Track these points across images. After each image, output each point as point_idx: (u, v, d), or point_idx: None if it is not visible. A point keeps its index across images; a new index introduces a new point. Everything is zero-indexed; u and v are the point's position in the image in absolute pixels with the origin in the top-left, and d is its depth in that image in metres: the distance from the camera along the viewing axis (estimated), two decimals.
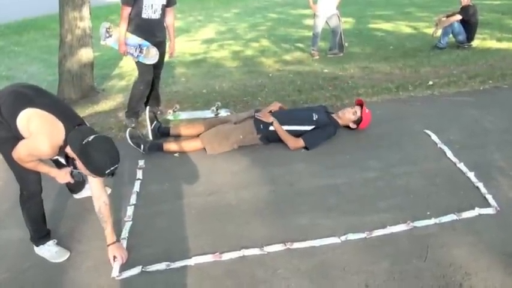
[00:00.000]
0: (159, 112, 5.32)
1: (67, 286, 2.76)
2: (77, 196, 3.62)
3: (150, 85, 5.04)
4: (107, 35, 5.06)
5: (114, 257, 2.89)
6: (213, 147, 4.25)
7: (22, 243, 3.11)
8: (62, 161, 2.82)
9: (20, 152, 2.58)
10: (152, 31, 4.82)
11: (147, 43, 4.78)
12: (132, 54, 4.80)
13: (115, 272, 2.81)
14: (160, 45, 4.97)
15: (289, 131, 4.34)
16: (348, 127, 4.58)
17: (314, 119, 4.41)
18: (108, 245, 2.93)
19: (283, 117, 4.41)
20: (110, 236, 2.95)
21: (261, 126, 4.34)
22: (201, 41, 10.44)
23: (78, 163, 2.53)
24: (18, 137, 2.61)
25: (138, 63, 4.89)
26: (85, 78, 6.09)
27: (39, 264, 2.95)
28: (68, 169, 2.86)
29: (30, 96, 2.63)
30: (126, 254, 2.96)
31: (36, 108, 2.55)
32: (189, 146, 4.32)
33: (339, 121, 4.54)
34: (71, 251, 3.04)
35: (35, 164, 2.71)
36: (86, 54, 6.00)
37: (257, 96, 5.81)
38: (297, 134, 4.33)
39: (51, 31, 11.55)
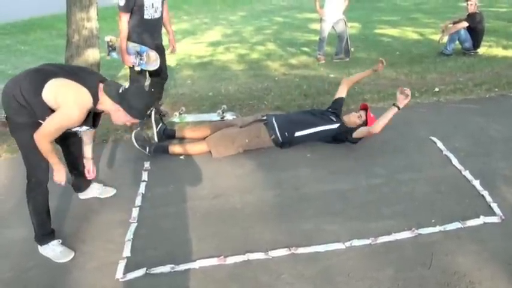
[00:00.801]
0: (182, 111, 5.34)
1: (71, 286, 2.77)
2: (82, 196, 3.63)
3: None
4: (110, 49, 5.06)
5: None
6: (218, 150, 4.26)
7: (26, 243, 3.12)
8: (77, 129, 2.87)
9: (50, 126, 2.65)
10: (152, 32, 4.79)
11: (145, 48, 4.73)
12: (134, 63, 4.78)
13: (119, 274, 2.83)
14: (159, 48, 4.93)
15: (316, 133, 4.38)
16: None
17: (333, 118, 4.50)
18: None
19: (302, 123, 4.43)
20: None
21: (286, 134, 4.35)
22: (207, 43, 10.47)
23: (116, 112, 2.79)
24: (39, 121, 2.70)
25: (131, 69, 4.89)
26: None
27: (43, 264, 2.96)
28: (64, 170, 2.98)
29: (46, 70, 2.73)
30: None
31: (56, 78, 2.65)
32: (194, 148, 4.33)
33: (349, 127, 4.52)
34: (75, 251, 3.04)
35: (51, 148, 2.76)
36: (92, 54, 6.03)
37: (263, 100, 5.82)
38: (324, 134, 4.39)
39: (58, 31, 11.61)
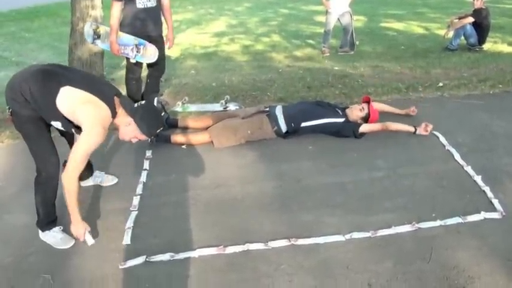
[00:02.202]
0: (185, 100, 5.34)
1: (71, 273, 2.78)
2: (83, 184, 3.63)
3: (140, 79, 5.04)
4: (95, 36, 4.99)
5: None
6: (220, 141, 4.25)
7: (27, 229, 3.13)
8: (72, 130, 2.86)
9: (79, 154, 2.65)
10: (146, 24, 4.70)
11: (144, 41, 4.69)
12: (127, 54, 4.73)
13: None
14: (155, 43, 4.85)
15: (322, 124, 4.39)
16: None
17: (339, 112, 4.52)
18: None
19: (310, 113, 4.43)
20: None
21: (292, 124, 4.36)
22: (212, 34, 10.45)
23: (126, 127, 2.81)
24: (43, 117, 2.72)
25: (127, 60, 4.86)
26: (95, 66, 6.10)
27: (43, 250, 2.97)
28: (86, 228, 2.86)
29: (59, 73, 2.72)
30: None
31: (71, 86, 2.64)
32: (196, 138, 4.32)
33: (352, 121, 4.53)
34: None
35: (77, 191, 2.73)
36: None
37: (266, 91, 5.81)
38: (329, 127, 4.40)
39: (62, 18, 11.58)
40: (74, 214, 2.79)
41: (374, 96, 5.47)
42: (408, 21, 11.15)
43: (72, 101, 2.64)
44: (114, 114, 2.76)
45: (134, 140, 2.93)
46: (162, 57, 5.06)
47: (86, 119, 2.63)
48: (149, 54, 4.77)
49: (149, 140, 4.21)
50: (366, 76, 6.45)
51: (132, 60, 4.80)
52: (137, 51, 4.72)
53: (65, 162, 3.10)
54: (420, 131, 4.33)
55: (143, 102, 2.93)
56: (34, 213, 3.02)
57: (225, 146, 4.26)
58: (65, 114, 2.68)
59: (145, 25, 4.70)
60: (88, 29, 4.97)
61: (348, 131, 4.36)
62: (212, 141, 4.28)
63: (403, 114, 4.81)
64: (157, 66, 5.07)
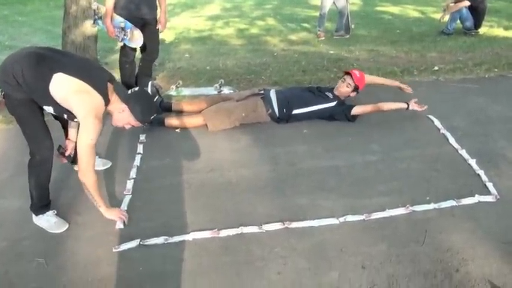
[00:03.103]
0: (179, 84, 5.31)
1: (65, 257, 2.77)
2: (76, 167, 3.61)
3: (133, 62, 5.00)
4: (96, 17, 4.94)
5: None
6: (214, 124, 4.24)
7: (20, 213, 3.11)
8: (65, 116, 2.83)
9: (84, 151, 2.65)
10: (140, 7, 4.62)
11: (130, 24, 4.61)
12: (117, 37, 4.68)
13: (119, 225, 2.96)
14: (149, 26, 4.80)
15: (314, 111, 4.38)
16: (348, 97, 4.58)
17: (329, 96, 4.47)
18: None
19: (300, 100, 4.40)
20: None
21: (284, 110, 4.34)
22: (206, 17, 10.38)
23: (120, 113, 2.81)
24: (36, 100, 2.70)
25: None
26: (89, 50, 6.04)
27: (37, 234, 2.95)
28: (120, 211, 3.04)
29: (53, 58, 2.68)
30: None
31: (64, 73, 2.60)
32: (190, 121, 4.30)
33: (340, 97, 4.51)
34: (69, 222, 3.03)
35: (96, 181, 2.81)
36: (90, 26, 5.95)
37: (261, 75, 5.78)
38: (321, 112, 4.39)
39: (55, 2, 11.49)
40: (102, 205, 2.92)
41: None
42: (404, 4, 11.10)
43: (65, 90, 2.61)
44: (107, 101, 2.73)
45: (128, 127, 2.93)
46: (156, 41, 5.02)
47: (79, 110, 2.61)
48: (135, 39, 4.70)
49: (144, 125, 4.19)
50: (361, 60, 6.44)
51: (120, 43, 4.77)
52: (124, 35, 4.66)
53: (59, 147, 3.11)
54: (413, 106, 4.25)
55: (137, 88, 2.91)
56: (28, 197, 3.00)
57: (219, 129, 4.23)
58: (58, 101, 2.65)
59: (140, 8, 4.62)
60: (91, 10, 4.91)
61: (340, 114, 4.35)
62: (206, 125, 4.25)
63: (395, 86, 4.77)
64: (150, 51, 5.01)
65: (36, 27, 9.38)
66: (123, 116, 2.82)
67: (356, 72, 4.48)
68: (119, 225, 2.97)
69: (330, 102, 4.40)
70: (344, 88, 4.46)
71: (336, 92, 4.50)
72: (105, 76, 2.82)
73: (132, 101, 2.80)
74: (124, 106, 2.78)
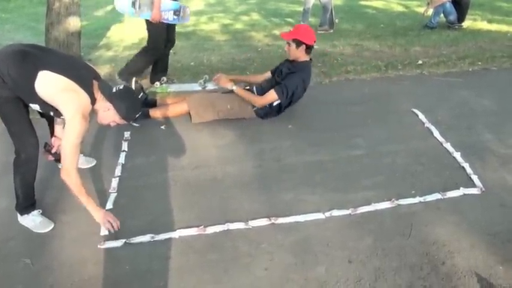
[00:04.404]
0: (163, 81, 5.29)
1: (51, 256, 2.74)
2: (60, 166, 3.58)
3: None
4: (138, 4, 4.91)
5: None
6: (198, 112, 4.22)
7: (5, 213, 3.08)
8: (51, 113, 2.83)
9: (68, 151, 2.65)
10: None
11: (179, 4, 4.85)
12: (166, 20, 4.79)
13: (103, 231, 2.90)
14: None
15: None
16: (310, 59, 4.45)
17: (290, 69, 4.33)
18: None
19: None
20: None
21: (267, 106, 4.29)
22: (190, 12, 10.30)
23: (104, 111, 2.80)
24: (22, 98, 2.68)
25: (152, 30, 4.84)
26: (72, 47, 5.98)
27: (22, 234, 2.92)
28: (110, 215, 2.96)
29: (37, 55, 2.66)
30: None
31: (50, 71, 2.58)
32: (175, 110, 4.29)
33: (299, 61, 4.33)
34: (55, 222, 3.00)
35: (81, 183, 2.78)
36: (73, 22, 5.89)
37: (246, 70, 5.77)
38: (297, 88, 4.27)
39: None
40: (89, 205, 2.86)
41: (353, 74, 5.51)
42: None
43: (51, 88, 2.60)
44: (93, 100, 2.72)
45: (113, 124, 2.91)
46: (174, 30, 5.22)
47: (67, 109, 2.59)
48: (187, 15, 5.04)
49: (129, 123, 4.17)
50: (346, 54, 6.45)
51: (170, 22, 4.92)
52: (176, 15, 4.90)
53: (45, 144, 3.09)
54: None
55: (121, 86, 2.87)
56: (13, 197, 2.97)
57: (202, 119, 4.22)
58: (44, 99, 2.63)
59: None
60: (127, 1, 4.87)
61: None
62: (190, 115, 4.23)
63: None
64: (172, 41, 5.25)
65: (19, 24, 9.27)
66: (108, 114, 2.81)
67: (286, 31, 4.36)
68: (104, 231, 2.90)
69: (290, 73, 4.28)
70: (295, 52, 4.28)
71: (291, 60, 4.37)
72: (91, 74, 2.81)
73: (116, 99, 2.77)
74: (109, 105, 2.76)
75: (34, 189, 3.01)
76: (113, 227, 2.88)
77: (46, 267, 2.66)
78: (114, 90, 2.80)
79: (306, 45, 4.22)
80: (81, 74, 2.72)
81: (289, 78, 4.22)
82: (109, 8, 10.82)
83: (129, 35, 8.15)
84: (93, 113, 2.82)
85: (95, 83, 2.75)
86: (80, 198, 2.81)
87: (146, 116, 4.26)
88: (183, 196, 3.27)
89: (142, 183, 3.44)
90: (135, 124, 3.97)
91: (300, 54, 4.27)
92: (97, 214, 2.89)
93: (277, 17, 9.53)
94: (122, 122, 2.87)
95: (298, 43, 4.21)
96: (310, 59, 4.38)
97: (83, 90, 2.64)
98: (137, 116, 2.95)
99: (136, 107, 2.93)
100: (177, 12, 4.83)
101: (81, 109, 2.61)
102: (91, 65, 2.99)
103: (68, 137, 2.62)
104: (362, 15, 9.54)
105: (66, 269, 2.64)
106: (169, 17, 4.78)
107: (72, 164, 2.68)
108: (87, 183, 3.31)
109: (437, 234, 2.83)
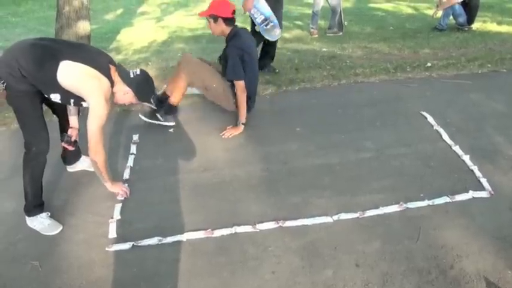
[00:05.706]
0: None
1: (59, 259, 2.76)
2: (70, 169, 3.61)
3: None
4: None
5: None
6: (190, 69, 4.20)
7: (14, 215, 3.10)
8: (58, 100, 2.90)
9: (93, 131, 2.82)
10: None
11: (276, 21, 4.93)
12: (254, 18, 4.95)
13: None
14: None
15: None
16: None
17: (222, 61, 4.36)
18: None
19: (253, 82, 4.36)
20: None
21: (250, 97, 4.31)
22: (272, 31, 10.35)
23: (123, 94, 3.01)
24: (42, 90, 2.79)
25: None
26: None
27: (31, 236, 2.94)
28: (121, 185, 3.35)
29: (54, 48, 2.78)
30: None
31: (70, 60, 2.73)
32: (179, 85, 4.26)
33: (227, 34, 4.18)
34: (63, 224, 3.02)
35: (105, 159, 3.03)
36: (83, 26, 5.95)
37: None
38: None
39: (48, 2, 11.46)
40: (107, 180, 3.17)
41: (362, 77, 5.48)
42: (397, 1, 11.11)
43: (74, 77, 2.73)
44: (112, 83, 2.91)
45: (128, 103, 3.16)
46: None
47: (91, 95, 2.76)
48: (273, 33, 5.10)
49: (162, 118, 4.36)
50: (354, 57, 6.44)
51: (256, 28, 5.09)
52: (265, 24, 4.99)
53: (65, 136, 3.29)
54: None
55: (138, 71, 3.05)
56: (22, 200, 3.00)
57: (190, 78, 4.20)
58: (67, 88, 2.76)
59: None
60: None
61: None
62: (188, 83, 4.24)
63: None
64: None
65: (29, 28, 9.36)
66: (127, 96, 3.04)
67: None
68: (120, 197, 3.24)
69: (226, 49, 4.24)
70: (216, 28, 4.18)
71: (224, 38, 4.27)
72: (107, 59, 2.98)
73: (135, 83, 3.00)
74: (128, 89, 2.99)
75: (42, 189, 3.05)
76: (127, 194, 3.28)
77: (54, 270, 2.68)
78: (132, 75, 3.00)
79: (223, 18, 4.10)
80: (99, 60, 2.88)
81: (228, 55, 4.13)
82: (119, 11, 10.89)
83: (138, 38, 8.20)
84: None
85: (112, 67, 2.91)
86: (102, 174, 3.09)
87: (171, 108, 4.33)
88: (191, 199, 3.28)
89: (150, 186, 3.45)
90: (152, 106, 4.22)
91: (222, 28, 4.15)
92: (114, 186, 3.25)
93: (286, 20, 9.47)
94: (138, 102, 3.21)
95: (215, 18, 4.12)
96: (236, 25, 4.23)
97: (103, 75, 2.81)
98: (152, 97, 3.25)
99: (153, 89, 3.22)
100: (265, 21, 4.94)
101: (104, 94, 2.78)
102: (103, 50, 3.11)
103: (93, 120, 2.77)
104: (371, 17, 9.52)
105: (74, 271, 2.66)
106: (258, 18, 4.96)
107: (99, 144, 2.87)
108: (95, 186, 3.36)
109: (445, 237, 2.82)
